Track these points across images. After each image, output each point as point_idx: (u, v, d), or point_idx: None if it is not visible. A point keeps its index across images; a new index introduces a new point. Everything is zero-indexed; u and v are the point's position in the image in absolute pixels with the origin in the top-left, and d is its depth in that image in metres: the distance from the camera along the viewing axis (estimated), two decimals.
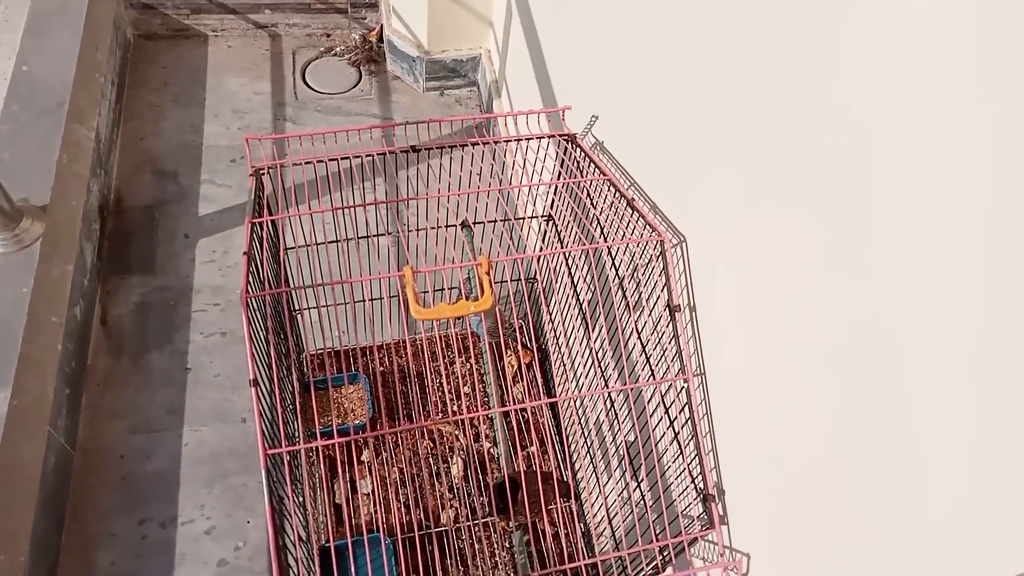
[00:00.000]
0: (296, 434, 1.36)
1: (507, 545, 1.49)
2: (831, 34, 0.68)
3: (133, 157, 2.06)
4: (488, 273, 0.95)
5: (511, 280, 1.70)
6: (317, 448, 1.55)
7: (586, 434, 1.47)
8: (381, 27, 2.38)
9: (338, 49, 2.40)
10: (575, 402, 1.50)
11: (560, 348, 1.58)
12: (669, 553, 0.98)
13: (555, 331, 1.61)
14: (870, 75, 0.64)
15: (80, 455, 1.57)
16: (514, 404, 1.70)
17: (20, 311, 1.51)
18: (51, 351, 1.54)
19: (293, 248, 1.33)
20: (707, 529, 0.96)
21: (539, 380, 1.70)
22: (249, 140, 1.15)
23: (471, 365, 1.76)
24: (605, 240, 1.16)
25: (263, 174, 1.17)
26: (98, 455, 1.57)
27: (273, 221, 1.21)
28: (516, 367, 1.73)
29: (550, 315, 1.61)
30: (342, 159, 1.22)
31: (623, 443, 1.25)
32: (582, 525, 1.49)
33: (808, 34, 0.72)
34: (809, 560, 0.84)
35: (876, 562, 0.71)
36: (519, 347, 1.76)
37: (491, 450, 1.65)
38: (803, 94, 0.74)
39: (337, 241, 1.35)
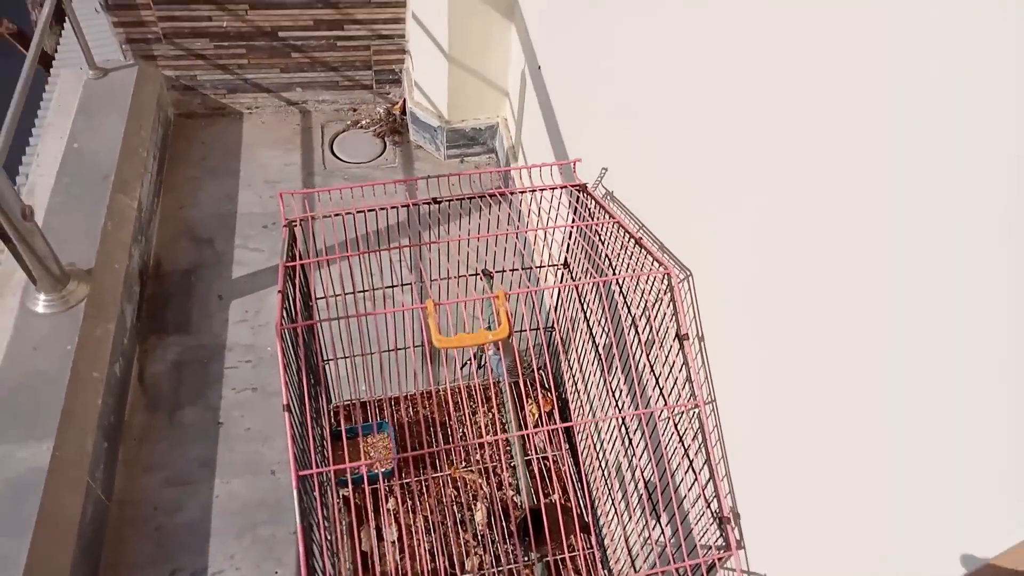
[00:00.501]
0: (326, 479, 1.40)
1: None
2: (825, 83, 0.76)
3: (172, 225, 2.18)
4: (505, 304, 1.01)
5: (530, 330, 1.75)
6: (344, 496, 1.59)
7: (604, 469, 1.49)
8: (404, 101, 2.52)
9: (364, 122, 2.54)
10: (593, 441, 1.53)
11: (578, 390, 1.62)
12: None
13: (573, 375, 1.65)
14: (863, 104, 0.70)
15: (116, 506, 1.61)
16: (535, 453, 1.72)
17: (65, 367, 1.59)
18: (92, 406, 1.61)
19: (323, 297, 1.41)
20: (725, 551, 0.98)
21: (559, 426, 1.73)
22: (283, 195, 1.24)
23: (492, 415, 1.80)
24: (616, 277, 1.22)
25: (295, 226, 1.26)
26: (133, 507, 1.62)
27: (304, 273, 1.29)
28: (537, 415, 1.77)
29: (567, 361, 1.66)
30: (368, 211, 1.31)
31: (639, 474, 1.27)
32: (600, 553, 1.49)
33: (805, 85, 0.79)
34: None
35: None
36: (539, 396, 1.80)
37: (514, 497, 1.66)
38: (799, 137, 0.81)
39: (364, 291, 1.43)
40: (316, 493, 1.04)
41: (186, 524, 1.61)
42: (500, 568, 1.52)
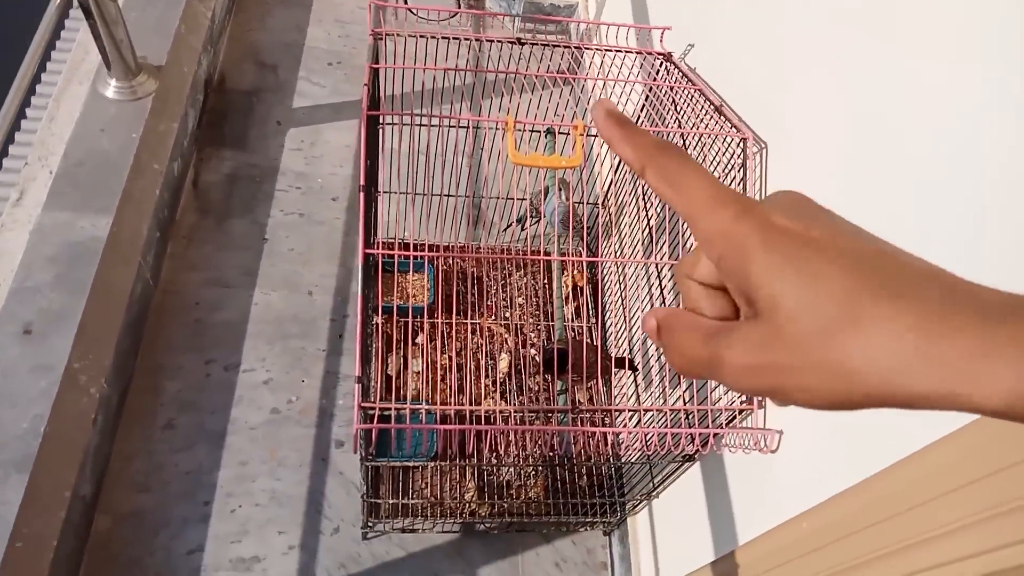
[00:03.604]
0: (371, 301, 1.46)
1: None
2: None
3: (239, 45, 2.18)
4: (582, 136, 1.03)
5: (586, 203, 1.78)
6: (376, 324, 1.65)
7: (631, 342, 1.54)
8: None
9: None
10: (627, 306, 1.57)
11: (618, 266, 1.65)
12: (710, 419, 1.05)
13: (615, 255, 1.68)
14: None
15: (160, 294, 1.69)
16: (565, 320, 1.78)
17: (128, 152, 1.63)
18: (149, 195, 1.66)
19: (390, 124, 1.43)
20: (747, 405, 1.03)
21: (590, 303, 1.78)
22: (372, 4, 1.25)
23: (528, 279, 1.85)
24: (684, 139, 1.24)
25: (380, 39, 1.27)
26: (175, 297, 1.69)
27: (378, 84, 1.31)
28: (570, 287, 1.81)
29: (617, 233, 1.69)
30: (453, 38, 1.32)
31: None
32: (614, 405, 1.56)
33: None
34: (843, 438, 0.90)
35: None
36: (574, 271, 1.84)
37: (536, 357, 1.73)
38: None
39: (431, 124, 1.45)
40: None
41: (223, 322, 1.68)
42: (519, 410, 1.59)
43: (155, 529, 1.39)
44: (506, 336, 1.73)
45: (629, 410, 1.11)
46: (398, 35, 1.28)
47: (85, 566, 1.33)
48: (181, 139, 1.82)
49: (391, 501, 1.37)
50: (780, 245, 0.26)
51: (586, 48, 1.39)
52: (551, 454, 1.40)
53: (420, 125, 1.18)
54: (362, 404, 0.89)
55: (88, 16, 1.56)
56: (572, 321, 1.79)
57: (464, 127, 1.27)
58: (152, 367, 1.58)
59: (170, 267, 1.73)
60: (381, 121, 1.45)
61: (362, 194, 0.96)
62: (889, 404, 0.24)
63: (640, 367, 1.49)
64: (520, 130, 1.54)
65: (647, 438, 1.18)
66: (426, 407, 1.00)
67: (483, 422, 1.12)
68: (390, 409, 0.92)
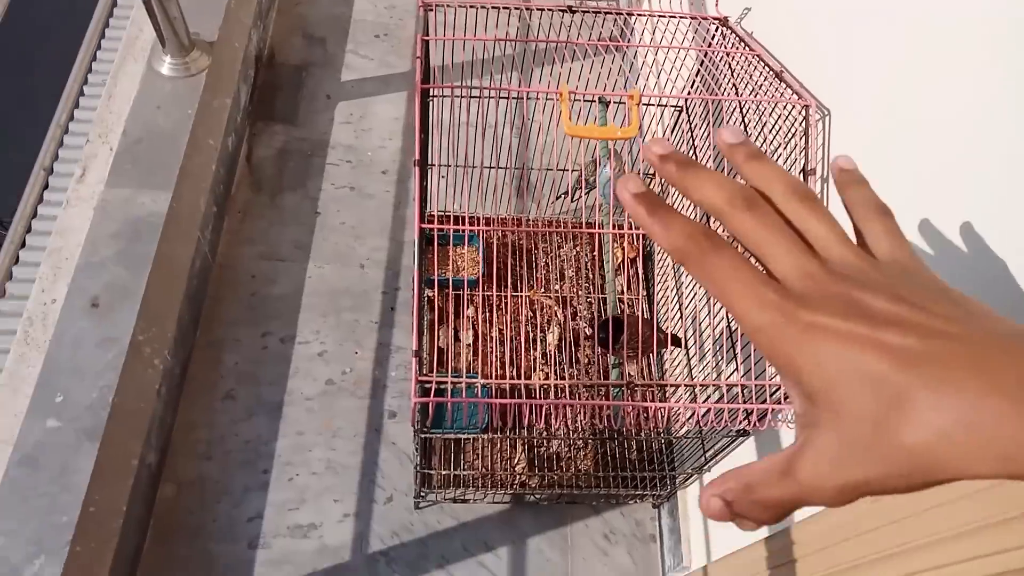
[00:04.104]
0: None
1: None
2: None
3: (288, 20, 2.19)
4: (638, 105, 1.01)
5: (641, 172, 1.75)
6: (428, 297, 1.66)
7: (681, 315, 1.52)
8: None
9: None
10: (676, 280, 1.55)
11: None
12: (767, 395, 1.03)
13: None
14: None
15: (217, 268, 1.73)
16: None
17: (184, 129, 1.66)
18: (206, 169, 1.69)
19: (436, 88, 1.42)
20: None
21: (640, 274, 1.76)
22: None
23: (577, 251, 1.83)
24: (741, 108, 1.20)
25: (431, 9, 1.25)
26: (232, 271, 1.73)
27: (428, 55, 1.30)
28: (620, 259, 1.80)
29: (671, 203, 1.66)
30: (503, 8, 1.30)
31: (724, 319, 1.30)
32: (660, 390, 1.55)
33: None
34: None
35: None
36: (625, 242, 1.82)
37: (586, 329, 1.72)
38: None
39: (484, 96, 1.43)
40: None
41: (278, 296, 1.72)
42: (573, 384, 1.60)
43: (217, 496, 1.44)
44: (555, 309, 1.73)
45: (685, 384, 1.09)
46: (448, 5, 1.27)
47: (152, 530, 1.39)
48: (234, 115, 1.84)
49: (443, 472, 1.39)
50: (828, 346, 0.25)
51: (638, 15, 1.36)
52: (603, 427, 1.40)
53: (474, 97, 1.17)
54: (420, 378, 0.90)
55: None
56: (624, 293, 1.78)
57: (518, 98, 1.26)
58: (211, 340, 1.62)
59: (226, 242, 1.77)
60: (432, 94, 1.44)
61: (417, 169, 0.96)
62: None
63: (692, 341, 1.48)
64: (574, 100, 1.52)
65: (701, 413, 1.17)
66: (481, 381, 1.01)
67: (536, 395, 1.13)
68: (445, 383, 0.92)
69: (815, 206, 0.29)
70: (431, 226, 1.11)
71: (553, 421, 1.54)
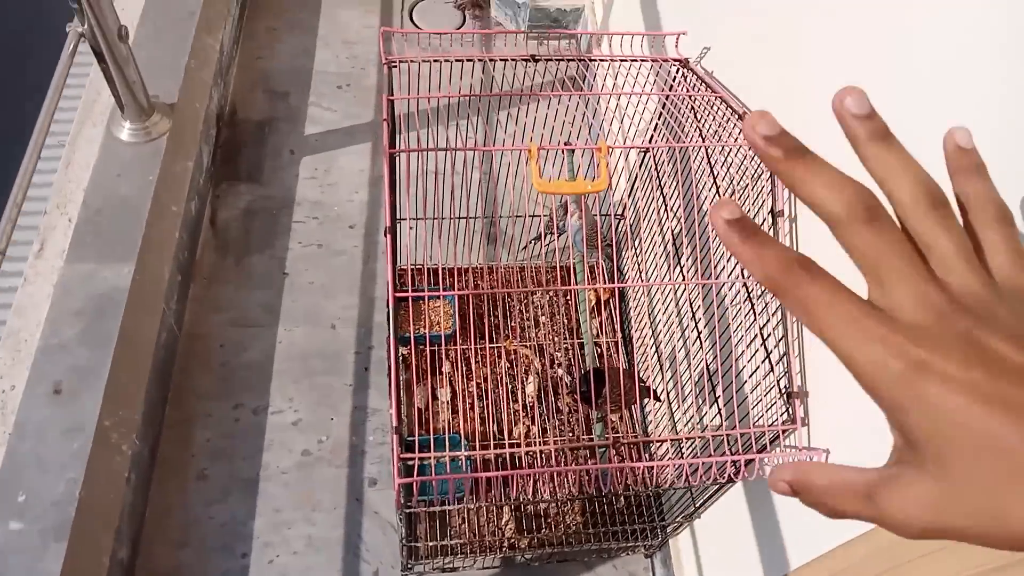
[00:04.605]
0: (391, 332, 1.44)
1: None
2: None
3: (249, 75, 2.16)
4: (606, 156, 1.00)
5: (599, 215, 1.74)
6: (403, 355, 1.63)
7: (659, 357, 1.51)
8: None
9: None
10: (651, 324, 1.53)
11: (642, 278, 1.62)
12: (752, 442, 1.01)
13: (638, 263, 1.65)
14: None
15: (185, 339, 1.68)
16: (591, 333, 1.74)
17: (146, 196, 1.62)
18: (169, 238, 1.65)
19: (404, 150, 1.40)
20: (789, 424, 0.99)
21: (616, 316, 1.75)
22: (383, 32, 1.23)
23: (551, 296, 1.82)
24: (707, 153, 1.20)
25: (394, 66, 1.24)
26: (200, 340, 1.69)
27: (393, 111, 1.28)
28: (595, 302, 1.78)
29: (633, 248, 1.65)
30: (467, 60, 1.29)
31: (702, 355, 1.28)
32: (642, 432, 1.53)
33: None
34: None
35: None
36: (598, 284, 1.81)
37: (564, 377, 1.70)
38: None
39: (444, 149, 1.42)
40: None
41: (249, 364, 1.68)
42: (546, 439, 1.57)
43: None
44: (532, 358, 1.71)
45: (669, 439, 1.08)
46: (412, 61, 1.26)
47: None
48: (197, 177, 1.81)
49: (430, 543, 1.36)
50: (944, 395, 0.23)
51: (599, 60, 1.35)
52: (590, 489, 1.37)
53: (441, 150, 1.15)
54: (401, 456, 0.87)
55: (100, 60, 1.56)
56: (600, 336, 1.76)
57: (484, 149, 1.24)
58: (181, 417, 1.57)
59: (193, 310, 1.73)
60: (398, 149, 1.43)
61: (388, 237, 0.93)
62: None
63: (672, 383, 1.46)
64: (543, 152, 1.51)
65: (688, 469, 1.15)
66: (464, 454, 0.98)
67: (520, 462, 1.10)
68: (428, 458, 0.90)
69: (947, 217, 0.25)
70: (404, 293, 1.08)
71: (541, 488, 1.51)
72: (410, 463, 0.95)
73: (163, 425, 1.54)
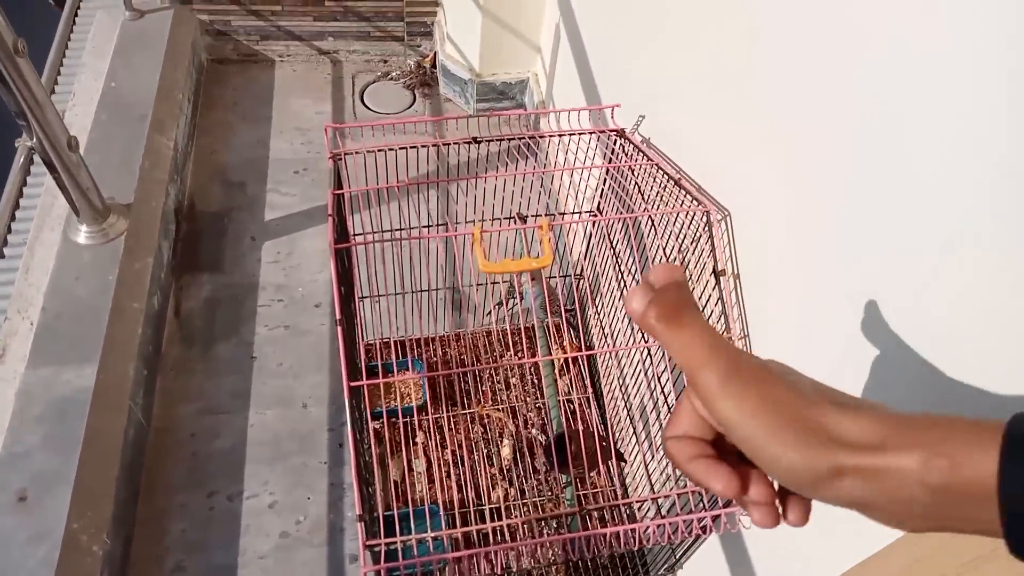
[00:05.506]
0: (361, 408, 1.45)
1: (554, 524, 1.54)
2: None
3: (205, 168, 2.21)
4: (548, 233, 1.04)
5: (560, 276, 1.79)
6: (375, 429, 1.63)
7: (628, 411, 1.53)
8: (435, 54, 2.53)
9: (394, 73, 2.56)
10: (618, 382, 1.57)
11: (605, 334, 1.65)
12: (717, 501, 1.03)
13: (600, 321, 1.68)
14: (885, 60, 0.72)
15: (154, 433, 1.67)
16: (560, 395, 1.77)
17: (106, 297, 1.64)
18: (132, 335, 1.66)
19: (360, 233, 1.44)
20: None
21: (585, 372, 1.77)
22: (328, 127, 1.27)
23: (519, 357, 1.84)
24: (652, 219, 1.25)
25: (340, 159, 1.29)
26: (170, 433, 1.68)
27: (341, 206, 1.33)
28: (562, 361, 1.81)
29: (595, 307, 1.69)
30: (411, 147, 1.34)
31: (666, 412, 1.31)
32: (621, 490, 1.54)
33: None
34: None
35: None
36: (565, 341, 1.84)
37: (539, 437, 1.71)
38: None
39: (400, 229, 1.46)
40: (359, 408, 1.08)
41: (221, 451, 1.67)
42: (524, 500, 1.57)
43: None
44: (505, 420, 1.72)
45: (637, 501, 1.09)
46: (357, 152, 1.31)
47: None
48: (158, 273, 1.83)
49: None
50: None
51: (540, 136, 1.42)
52: (573, 556, 1.37)
53: (387, 241, 1.19)
54: (367, 543, 0.88)
55: (52, 170, 1.59)
56: (571, 392, 1.78)
57: (435, 236, 1.28)
58: (154, 511, 1.55)
59: (161, 403, 1.72)
60: (349, 242, 1.46)
61: (340, 328, 0.96)
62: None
63: (644, 435, 1.48)
64: (491, 228, 1.55)
65: (655, 530, 1.16)
66: (431, 534, 0.98)
67: (500, 534, 1.10)
68: (395, 542, 0.90)
69: None
70: (359, 383, 1.10)
71: (517, 560, 1.50)
72: (376, 549, 0.95)
73: (135, 521, 1.52)
